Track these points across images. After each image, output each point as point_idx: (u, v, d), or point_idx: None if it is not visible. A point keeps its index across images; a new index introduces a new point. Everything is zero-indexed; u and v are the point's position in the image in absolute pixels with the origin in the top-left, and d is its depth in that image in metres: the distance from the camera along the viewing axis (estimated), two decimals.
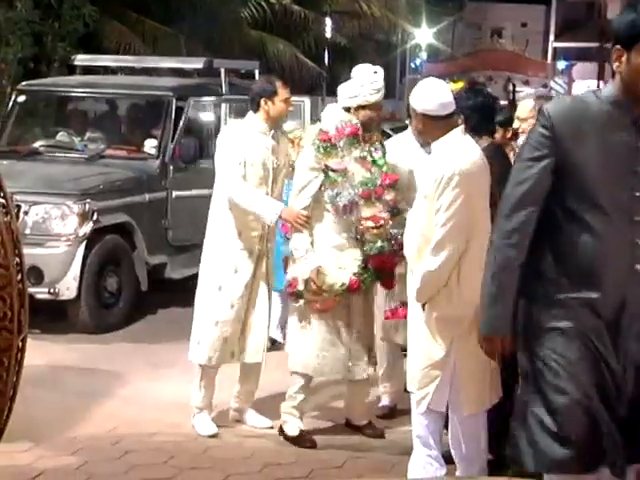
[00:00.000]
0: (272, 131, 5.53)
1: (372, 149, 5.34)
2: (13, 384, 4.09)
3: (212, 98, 9.60)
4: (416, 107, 4.47)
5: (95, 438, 5.17)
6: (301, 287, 5.19)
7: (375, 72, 5.34)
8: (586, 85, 42.78)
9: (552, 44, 48.73)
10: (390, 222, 5.22)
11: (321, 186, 5.20)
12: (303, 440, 5.32)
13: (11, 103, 9.66)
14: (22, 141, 9.48)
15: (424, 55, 38.67)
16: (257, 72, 10.58)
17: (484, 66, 34.32)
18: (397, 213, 5.30)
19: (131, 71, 10.30)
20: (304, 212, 5.18)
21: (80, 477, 4.43)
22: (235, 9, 18.32)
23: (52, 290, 7.34)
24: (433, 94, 4.44)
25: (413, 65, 38.63)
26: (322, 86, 23.31)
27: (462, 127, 4.50)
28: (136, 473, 4.76)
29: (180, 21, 16.54)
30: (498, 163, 4.75)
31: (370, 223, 5.17)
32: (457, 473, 4.53)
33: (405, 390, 5.74)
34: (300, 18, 19.89)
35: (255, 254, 5.47)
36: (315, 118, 9.12)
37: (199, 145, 8.84)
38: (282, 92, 5.49)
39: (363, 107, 5.25)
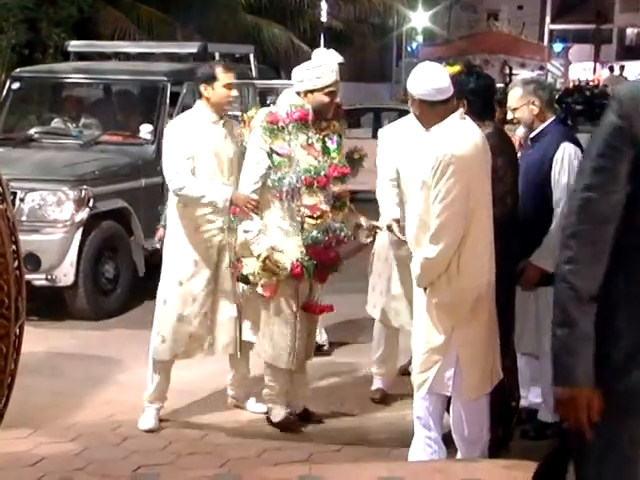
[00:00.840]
0: (222, 119, 5.33)
1: (326, 137, 5.18)
2: (11, 371, 4.09)
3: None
4: (413, 92, 4.43)
5: (94, 424, 5.19)
6: (245, 271, 5.08)
7: (321, 58, 5.31)
8: (582, 67, 42.86)
9: (548, 26, 48.66)
10: (331, 214, 5.11)
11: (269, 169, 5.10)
12: (289, 425, 5.28)
13: (5, 90, 9.64)
14: (17, 128, 9.46)
15: (420, 38, 38.50)
16: (252, 56, 10.57)
17: (480, 49, 34.30)
18: (341, 207, 5.22)
19: (126, 57, 10.31)
20: (254, 196, 5.04)
21: (79, 463, 4.45)
22: None
23: (49, 277, 7.34)
24: (429, 79, 4.37)
25: (409, 48, 38.50)
26: None
27: (461, 111, 4.44)
28: (135, 458, 4.79)
29: (175, 6, 16.52)
30: (505, 147, 4.85)
31: (308, 212, 5.05)
32: (458, 455, 4.56)
33: (401, 373, 5.79)
34: (295, 2, 19.83)
35: (216, 246, 5.30)
36: None
37: None
38: (223, 77, 5.24)
39: (311, 92, 5.06)
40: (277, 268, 5.00)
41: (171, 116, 8.54)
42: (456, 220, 4.22)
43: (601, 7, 45.67)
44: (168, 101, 8.72)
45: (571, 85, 34.88)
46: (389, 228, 5.36)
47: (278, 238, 5.09)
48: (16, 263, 4.03)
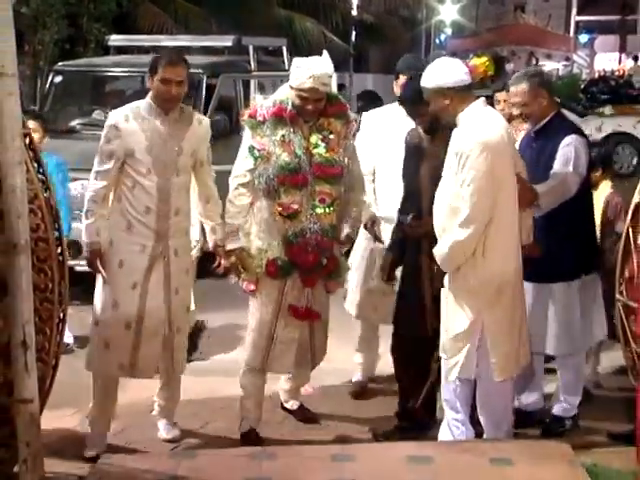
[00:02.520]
0: (169, 115, 4.68)
1: (317, 135, 4.77)
2: (55, 353, 4.13)
3: (241, 75, 9.61)
4: (442, 84, 4.35)
5: (134, 405, 5.25)
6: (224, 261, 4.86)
7: (308, 63, 4.69)
8: (608, 58, 42.43)
9: (574, 18, 48.08)
10: (312, 216, 4.72)
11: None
12: (250, 439, 4.86)
13: (48, 83, 9.74)
14: (59, 120, 9.52)
15: (448, 31, 38.32)
16: (285, 49, 10.59)
17: (507, 41, 34.03)
18: (327, 208, 4.76)
19: (162, 50, 10.33)
20: (100, 255, 4.59)
21: (119, 441, 4.49)
22: None
23: None
24: (455, 67, 4.41)
25: (438, 41, 38.28)
26: (349, 62, 23.29)
27: (482, 99, 4.44)
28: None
29: (210, 1, 16.54)
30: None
31: (281, 210, 4.72)
32: (484, 436, 4.57)
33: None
34: None
35: (148, 252, 4.62)
36: (342, 93, 9.08)
37: (229, 120, 8.86)
38: (161, 70, 4.60)
39: (296, 89, 4.70)
40: (243, 268, 4.79)
41: (207, 108, 8.61)
42: (486, 203, 4.22)
43: None
44: (204, 93, 8.75)
45: (596, 75, 34.57)
46: (366, 227, 5.31)
47: (260, 234, 4.82)
48: (59, 249, 4.08)
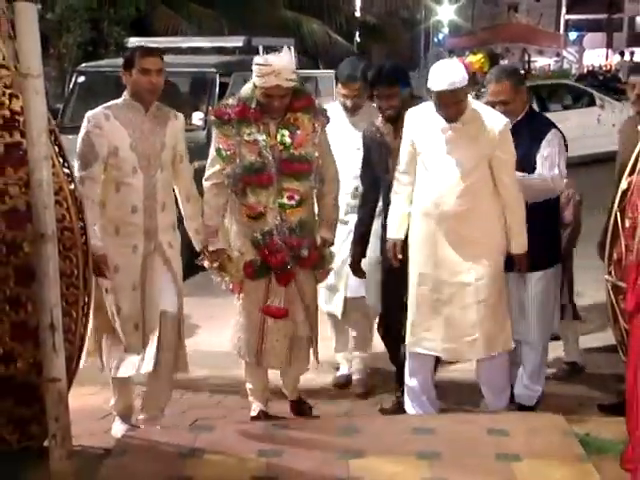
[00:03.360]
0: (148, 109, 4.34)
1: (284, 130, 4.42)
2: (81, 334, 4.14)
3: (252, 73, 9.60)
4: (457, 82, 4.21)
5: None
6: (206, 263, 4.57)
7: (268, 59, 4.41)
8: (596, 54, 42.31)
9: (564, 16, 48.01)
10: (280, 215, 4.43)
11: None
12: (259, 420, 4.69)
13: (72, 83, 9.73)
14: (83, 117, 9.50)
15: (446, 30, 38.24)
16: (292, 48, 10.53)
17: (502, 39, 33.92)
18: (297, 205, 4.45)
19: (179, 51, 10.31)
20: (105, 260, 4.22)
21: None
22: None
23: None
24: (461, 68, 4.32)
25: (436, 39, 38.21)
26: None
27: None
28: (192, 413, 4.84)
29: (222, 4, 16.53)
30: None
31: (247, 211, 4.46)
32: (483, 404, 4.68)
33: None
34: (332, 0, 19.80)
35: (140, 251, 4.31)
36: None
37: None
38: (139, 62, 4.25)
39: (260, 88, 4.38)
40: (225, 271, 4.52)
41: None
42: None
43: None
44: (217, 90, 8.75)
45: (585, 70, 34.48)
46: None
47: (237, 239, 4.58)
48: (83, 238, 4.08)
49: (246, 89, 4.50)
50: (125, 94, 4.35)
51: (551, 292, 4.79)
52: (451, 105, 4.26)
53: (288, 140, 4.42)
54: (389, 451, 4.10)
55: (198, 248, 4.61)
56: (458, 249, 4.40)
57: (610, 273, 4.39)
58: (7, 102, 3.88)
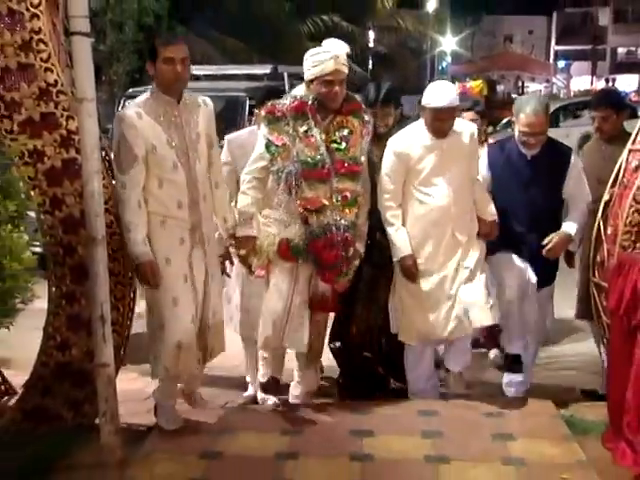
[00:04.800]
0: (178, 101, 3.86)
1: (338, 132, 4.10)
2: (127, 326, 4.15)
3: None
4: (455, 102, 4.23)
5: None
6: (242, 252, 4.20)
7: (323, 47, 4.06)
8: (582, 81, 42.14)
9: (553, 47, 47.86)
10: (336, 212, 4.07)
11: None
12: (268, 387, 4.49)
13: (121, 106, 9.74)
14: None
15: (449, 59, 38.12)
16: None
17: (498, 67, 33.80)
18: (349, 206, 4.11)
19: (214, 77, 10.32)
20: (152, 266, 3.76)
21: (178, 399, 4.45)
22: (296, 26, 18.45)
23: None
24: (454, 89, 4.38)
25: (440, 67, 38.10)
26: (368, 87, 23.18)
27: None
28: (223, 397, 4.79)
29: (252, 37, 16.57)
30: None
31: (307, 205, 4.06)
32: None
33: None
34: (348, 32, 19.77)
35: (187, 243, 3.88)
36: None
37: None
38: (162, 51, 3.73)
39: (312, 81, 4.04)
40: (255, 254, 4.16)
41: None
42: None
43: (597, 31, 45.22)
44: (247, 112, 8.77)
45: (572, 95, 34.27)
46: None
47: (275, 229, 4.17)
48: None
49: (299, 89, 4.15)
50: (152, 87, 3.88)
51: (550, 299, 4.75)
52: (447, 120, 4.21)
53: (341, 141, 4.10)
54: (397, 431, 4.09)
55: (225, 235, 4.21)
56: (452, 246, 4.32)
57: (594, 274, 4.37)
58: (64, 123, 3.89)
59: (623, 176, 4.27)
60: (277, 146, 4.04)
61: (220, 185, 4.12)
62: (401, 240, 4.31)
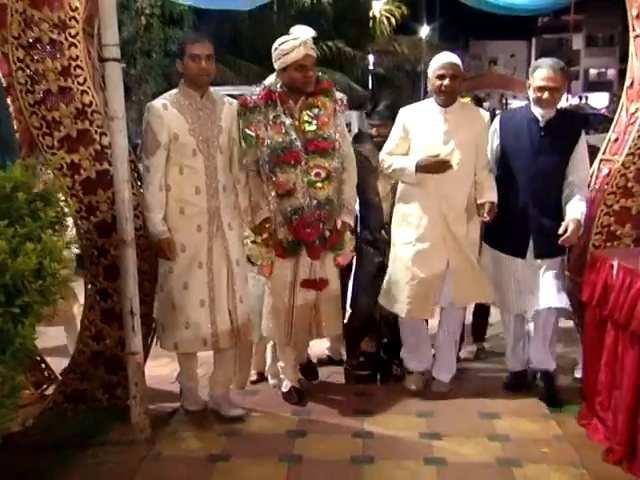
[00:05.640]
0: (203, 96, 3.74)
1: (307, 112, 3.83)
2: (154, 319, 4.13)
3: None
4: (458, 61, 4.02)
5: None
6: (247, 252, 3.99)
7: (290, 35, 3.89)
8: None
9: (530, 82, 48.00)
10: (310, 190, 3.83)
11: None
12: (290, 397, 4.23)
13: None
14: None
15: None
16: None
17: (484, 86, 33.69)
18: (323, 181, 3.84)
19: (230, 96, 10.32)
20: (168, 243, 3.65)
21: (205, 383, 4.45)
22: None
23: None
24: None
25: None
26: (367, 104, 23.21)
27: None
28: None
29: (266, 60, 16.56)
30: None
31: (277, 189, 3.83)
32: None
33: None
34: (351, 56, 19.78)
35: (205, 230, 3.72)
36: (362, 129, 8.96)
37: None
38: (189, 48, 3.66)
39: (284, 69, 3.80)
40: (269, 237, 3.91)
41: None
42: None
43: (571, 54, 45.28)
44: None
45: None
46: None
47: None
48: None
49: (269, 79, 3.92)
50: (180, 82, 3.78)
51: (562, 272, 4.15)
52: (452, 79, 3.93)
53: (312, 121, 3.82)
54: (394, 411, 4.08)
55: (249, 227, 3.98)
56: (440, 220, 4.02)
57: (570, 270, 4.33)
58: (98, 139, 3.90)
59: (595, 182, 4.25)
60: (252, 137, 3.81)
61: (241, 180, 3.89)
62: (402, 161, 4.01)
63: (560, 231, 3.84)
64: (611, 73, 46.09)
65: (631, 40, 4.22)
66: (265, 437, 3.81)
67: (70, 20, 3.80)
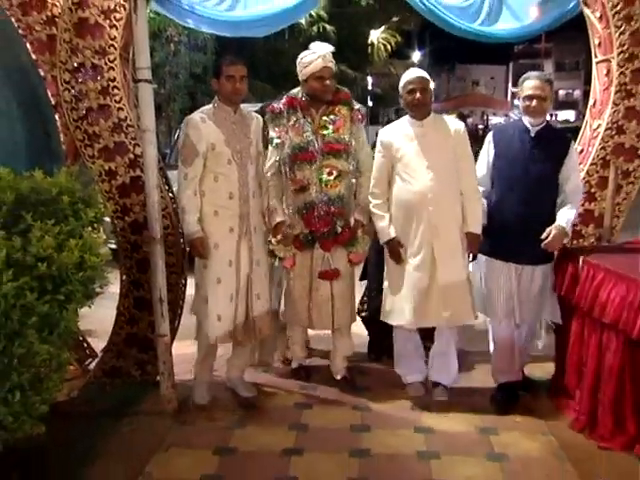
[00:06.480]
0: (236, 111, 3.66)
1: (327, 118, 3.78)
2: (180, 306, 4.15)
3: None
4: (426, 76, 3.71)
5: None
6: (271, 247, 3.92)
7: (309, 49, 3.79)
8: None
9: (510, 89, 47.46)
10: (323, 187, 3.76)
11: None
12: (298, 374, 4.19)
13: (175, 136, 9.77)
14: None
15: None
16: None
17: (467, 104, 33.62)
18: (336, 179, 3.76)
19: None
20: (202, 242, 3.55)
21: (222, 362, 4.46)
22: None
23: None
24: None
25: None
26: (366, 120, 23.17)
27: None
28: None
29: (277, 80, 16.53)
30: None
31: (294, 185, 3.79)
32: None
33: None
34: (352, 77, 19.72)
35: (236, 232, 3.62)
36: None
37: None
38: (225, 69, 3.59)
39: (306, 81, 3.77)
40: (286, 239, 3.83)
41: None
42: None
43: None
44: None
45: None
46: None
47: (290, 215, 3.87)
48: (181, 240, 4.07)
49: (293, 90, 3.89)
50: (215, 99, 3.68)
51: (549, 282, 3.77)
52: (422, 92, 3.62)
53: (329, 126, 3.77)
54: (388, 398, 3.97)
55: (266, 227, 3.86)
56: (429, 233, 3.63)
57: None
58: (132, 149, 3.91)
59: None
60: (277, 138, 3.80)
61: (264, 188, 3.80)
62: (383, 226, 3.73)
63: (542, 236, 3.56)
64: (577, 93, 45.92)
65: (594, 65, 4.24)
66: (275, 409, 3.82)
67: (109, 47, 3.82)
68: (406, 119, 3.77)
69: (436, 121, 3.73)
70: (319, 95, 3.76)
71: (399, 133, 3.74)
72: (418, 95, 3.64)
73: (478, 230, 3.67)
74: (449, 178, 3.62)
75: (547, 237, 3.56)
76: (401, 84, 3.74)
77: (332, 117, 3.79)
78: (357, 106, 3.87)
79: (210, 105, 3.68)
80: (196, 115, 3.63)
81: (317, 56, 3.72)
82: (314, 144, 3.74)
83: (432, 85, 3.69)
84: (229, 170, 3.59)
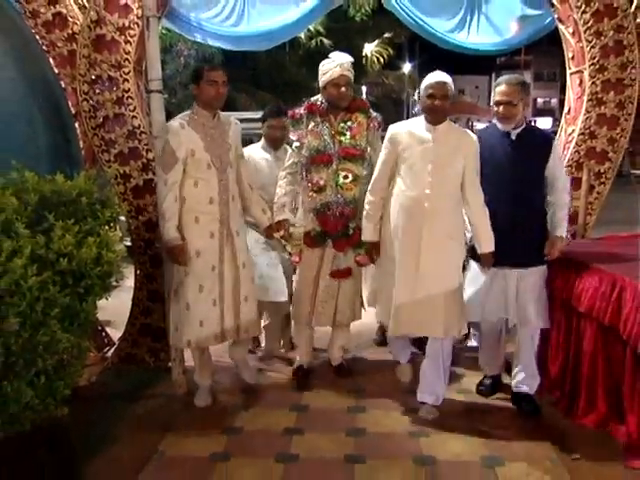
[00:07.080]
0: (214, 117, 3.44)
1: (345, 124, 3.66)
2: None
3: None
4: (448, 81, 3.29)
5: None
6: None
7: (329, 58, 3.65)
8: None
9: (493, 98, 47.76)
10: (337, 190, 3.64)
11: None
12: (297, 374, 3.97)
13: None
14: None
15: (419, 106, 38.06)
16: None
17: (454, 111, 33.54)
18: (351, 183, 3.64)
19: (249, 120, 10.28)
20: (181, 249, 3.31)
21: (225, 348, 4.43)
22: (311, 82, 18.24)
23: None
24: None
25: (413, 112, 37.98)
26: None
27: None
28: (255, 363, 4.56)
29: (280, 90, 16.50)
30: None
31: (310, 185, 3.68)
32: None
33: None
34: None
35: (217, 237, 3.39)
36: None
37: None
38: (207, 74, 3.35)
39: (324, 88, 3.64)
40: (289, 238, 3.73)
41: None
42: None
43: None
44: None
45: None
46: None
47: (304, 213, 3.75)
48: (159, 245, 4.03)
49: (314, 97, 3.76)
50: (194, 105, 3.43)
51: (544, 284, 3.48)
52: (442, 99, 3.26)
53: (346, 132, 3.64)
54: (382, 382, 3.99)
55: (265, 225, 3.71)
56: (434, 241, 3.28)
57: None
58: (145, 154, 3.91)
59: None
60: (297, 142, 3.71)
61: (253, 187, 3.67)
62: (368, 227, 3.50)
63: (546, 251, 3.36)
64: (554, 102, 45.95)
65: (568, 76, 4.27)
66: (278, 392, 3.82)
67: (124, 61, 3.83)
68: (421, 120, 3.39)
69: (450, 129, 3.35)
70: (336, 101, 3.62)
71: (410, 133, 3.36)
72: (437, 102, 3.27)
73: (490, 248, 3.35)
74: (451, 189, 3.28)
75: (549, 249, 3.35)
76: (423, 85, 3.35)
77: (349, 124, 3.66)
78: (374, 114, 3.73)
79: (189, 111, 3.44)
80: (175, 122, 3.37)
81: (335, 64, 3.59)
82: (331, 148, 3.62)
83: (452, 90, 3.29)
84: (209, 175, 3.36)
